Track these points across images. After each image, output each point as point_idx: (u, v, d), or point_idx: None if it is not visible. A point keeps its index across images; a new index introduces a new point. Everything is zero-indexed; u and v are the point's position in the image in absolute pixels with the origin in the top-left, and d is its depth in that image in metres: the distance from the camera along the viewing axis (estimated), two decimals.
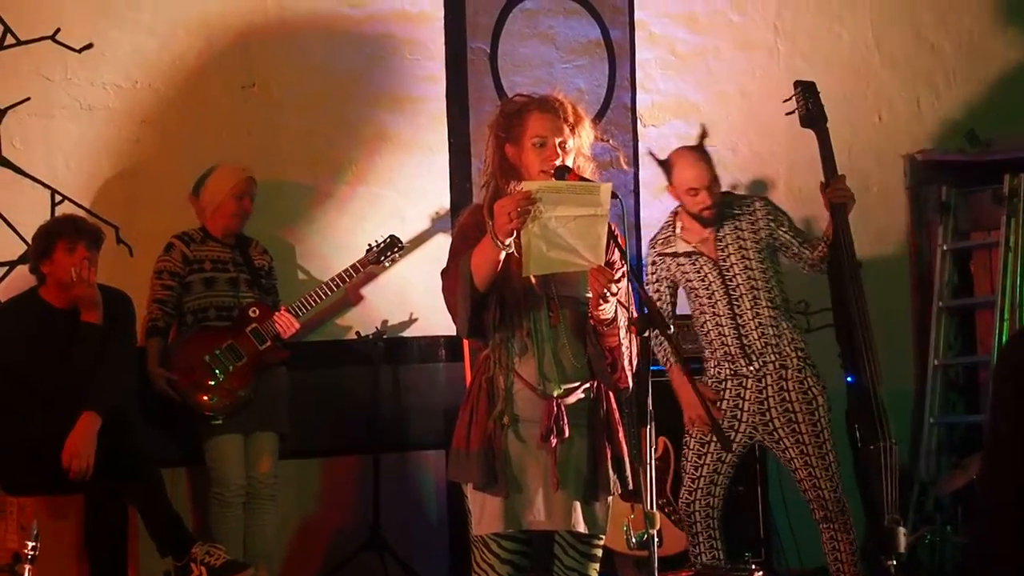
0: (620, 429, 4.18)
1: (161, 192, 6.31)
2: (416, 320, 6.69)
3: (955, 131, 7.41)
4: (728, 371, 5.72)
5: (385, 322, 6.62)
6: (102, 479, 5.43)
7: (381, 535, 6.35)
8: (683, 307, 6.86)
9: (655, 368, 4.00)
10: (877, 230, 7.20)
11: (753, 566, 5.78)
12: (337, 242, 6.55)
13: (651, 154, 5.87)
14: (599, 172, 4.22)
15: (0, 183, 6.11)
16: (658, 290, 5.85)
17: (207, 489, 6.03)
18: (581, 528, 4.05)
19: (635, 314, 4.05)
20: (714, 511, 5.72)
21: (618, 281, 3.93)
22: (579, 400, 4.07)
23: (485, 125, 4.39)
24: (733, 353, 5.70)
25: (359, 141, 6.67)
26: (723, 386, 5.72)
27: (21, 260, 6.04)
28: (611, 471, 4.11)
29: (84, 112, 6.22)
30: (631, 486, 4.17)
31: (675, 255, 5.79)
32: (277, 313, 6.08)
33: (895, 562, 5.52)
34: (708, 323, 5.76)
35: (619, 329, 4.03)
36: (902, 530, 5.55)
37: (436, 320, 6.53)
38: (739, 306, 5.69)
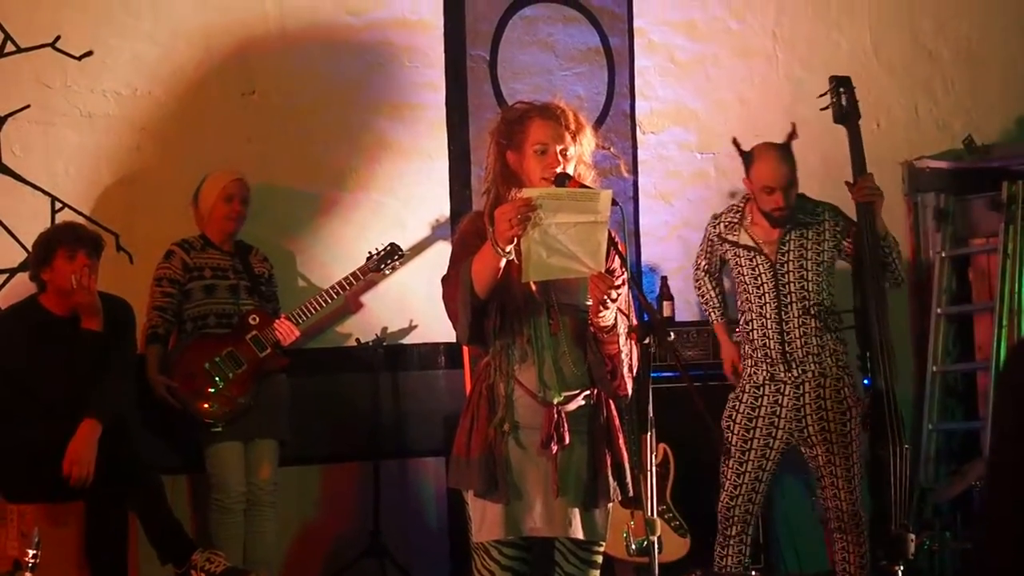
0: (620, 436, 4.19)
1: (161, 199, 6.32)
2: (416, 327, 6.69)
3: (953, 138, 7.42)
4: (766, 375, 5.70)
5: (385, 329, 6.62)
6: (103, 486, 5.44)
7: (381, 542, 6.36)
8: (682, 314, 6.89)
9: (655, 375, 3.99)
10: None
11: (754, 572, 5.78)
12: (337, 249, 6.56)
13: (735, 142, 5.77)
14: (599, 179, 4.22)
15: (0, 190, 6.12)
16: (709, 260, 5.93)
17: (207, 496, 6.04)
18: (581, 535, 4.05)
19: (635, 321, 4.06)
20: (752, 518, 5.72)
21: (618, 288, 3.93)
22: (579, 407, 4.08)
23: (485, 132, 4.39)
24: (774, 357, 5.69)
25: (359, 148, 6.67)
26: (760, 391, 5.71)
27: (21, 267, 6.06)
28: (611, 478, 4.12)
29: (84, 119, 6.23)
30: (631, 493, 4.18)
31: (735, 244, 5.79)
32: (277, 320, 6.09)
33: (902, 568, 5.52)
34: (754, 322, 5.76)
35: (619, 336, 4.04)
36: (911, 537, 5.54)
37: (436, 327, 6.55)
38: (787, 312, 5.67)
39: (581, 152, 4.11)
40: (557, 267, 3.88)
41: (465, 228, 4.19)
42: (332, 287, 6.22)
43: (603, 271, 3.91)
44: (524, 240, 3.81)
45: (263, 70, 6.52)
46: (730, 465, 5.70)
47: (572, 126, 4.07)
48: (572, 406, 4.05)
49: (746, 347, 5.82)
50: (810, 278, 5.68)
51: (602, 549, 4.18)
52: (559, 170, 4.02)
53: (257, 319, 6.08)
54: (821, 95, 5.86)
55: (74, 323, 5.58)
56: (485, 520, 4.02)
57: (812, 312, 5.65)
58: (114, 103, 6.27)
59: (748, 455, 5.67)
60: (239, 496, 6.00)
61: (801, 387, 5.66)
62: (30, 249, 5.82)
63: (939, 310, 7.16)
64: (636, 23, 7.12)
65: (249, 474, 6.05)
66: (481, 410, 4.06)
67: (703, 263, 6.02)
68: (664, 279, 6.82)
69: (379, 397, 6.57)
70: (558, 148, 4.05)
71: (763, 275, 5.71)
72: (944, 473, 7.07)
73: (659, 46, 7.16)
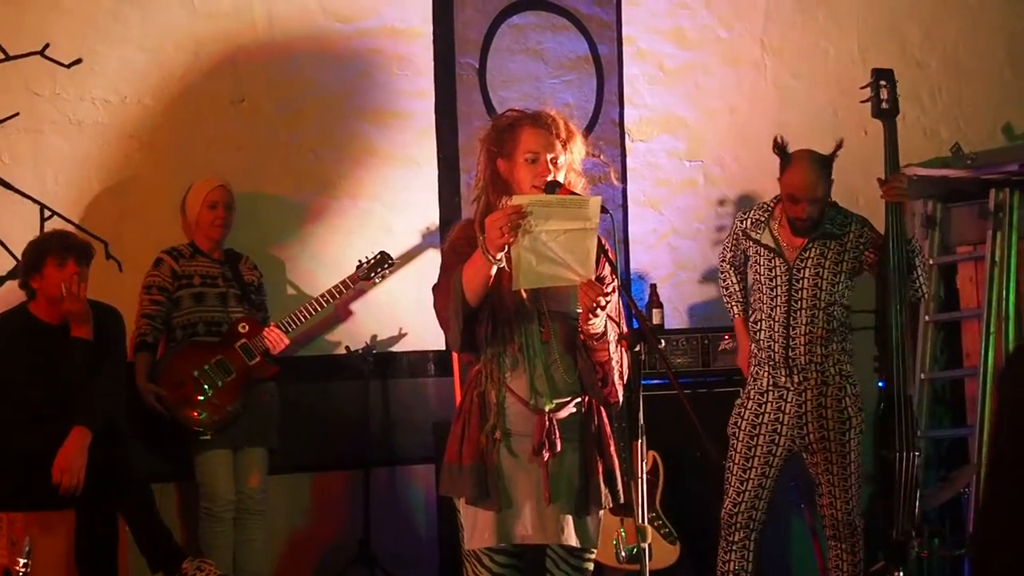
0: (612, 443, 4.19)
1: (150, 207, 6.32)
2: (405, 335, 6.70)
3: (941, 146, 7.43)
4: (769, 381, 5.70)
5: (374, 337, 6.62)
6: (93, 494, 5.43)
7: (370, 550, 6.36)
8: (671, 321, 6.90)
9: (646, 382, 4.00)
10: None
11: None
12: (326, 257, 6.56)
13: (777, 140, 5.63)
14: (589, 187, 4.23)
15: None
16: (734, 253, 5.91)
17: (196, 504, 6.03)
18: (573, 542, 4.05)
19: (625, 329, 4.07)
20: (755, 524, 5.70)
21: (609, 295, 3.94)
22: (571, 414, 4.08)
23: (474, 140, 4.42)
24: (776, 360, 5.69)
25: (348, 156, 6.67)
26: (764, 398, 5.71)
27: (11, 275, 6.05)
28: (603, 485, 4.12)
29: (73, 127, 6.23)
30: (623, 500, 4.19)
31: (758, 243, 5.76)
32: (267, 328, 6.09)
33: (902, 573, 5.52)
34: (762, 322, 5.75)
35: (609, 343, 4.04)
36: (914, 543, 5.53)
37: (425, 335, 6.57)
38: (796, 318, 5.66)
39: (571, 160, 4.12)
40: (547, 274, 3.88)
41: (456, 236, 4.19)
42: (322, 295, 6.22)
43: (593, 278, 3.92)
44: (514, 248, 3.81)
45: (252, 78, 6.52)
46: (734, 472, 5.70)
47: (563, 134, 4.08)
48: (563, 413, 4.06)
49: (752, 346, 5.82)
50: (824, 287, 5.65)
51: (593, 556, 4.18)
52: (550, 178, 4.03)
53: (246, 327, 6.08)
54: (863, 87, 5.76)
55: (64, 331, 5.57)
56: (477, 527, 4.02)
57: (819, 320, 5.64)
58: (103, 111, 6.27)
59: (752, 461, 5.67)
60: (228, 504, 6.00)
61: (804, 394, 5.65)
62: (20, 257, 5.82)
63: (927, 317, 7.18)
64: (625, 31, 7.14)
65: (238, 482, 6.05)
66: (473, 418, 4.07)
67: (728, 255, 5.98)
68: (653, 287, 6.83)
69: (368, 405, 6.57)
70: (549, 156, 4.06)
71: (779, 277, 5.69)
72: (933, 480, 7.08)
73: (648, 54, 7.18)
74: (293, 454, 6.36)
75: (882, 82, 5.71)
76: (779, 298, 5.69)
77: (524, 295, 4.01)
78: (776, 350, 5.69)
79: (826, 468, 5.64)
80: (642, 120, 7.16)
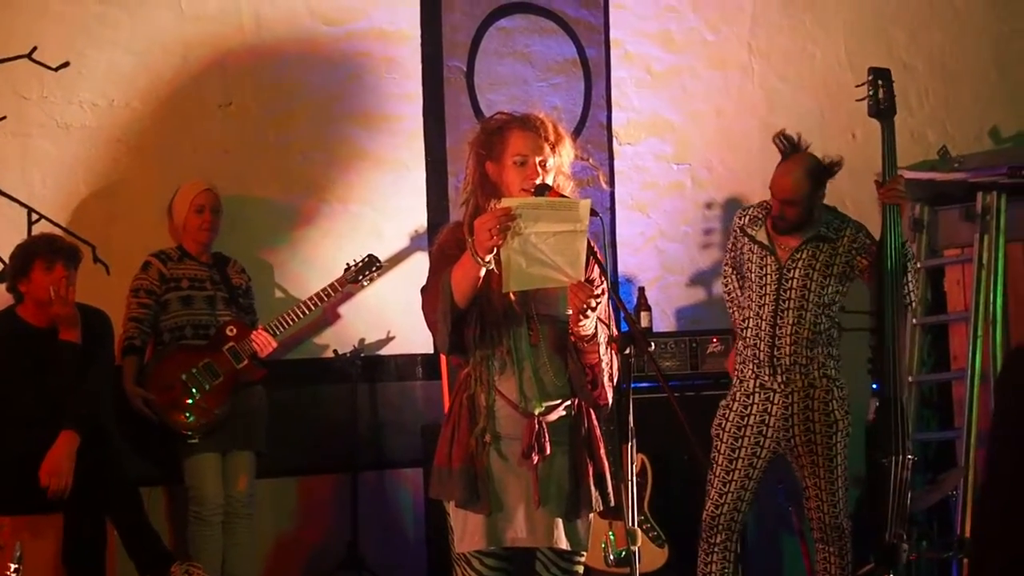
0: (601, 446, 4.19)
1: (138, 211, 6.30)
2: (393, 338, 6.69)
3: (928, 149, 7.45)
4: (755, 382, 5.68)
5: (362, 340, 6.62)
6: (81, 498, 5.42)
7: (358, 553, 6.35)
8: (659, 325, 6.91)
9: (636, 385, 4.00)
10: None
11: None
12: (314, 260, 6.55)
13: (779, 135, 5.60)
14: (578, 190, 4.23)
15: None
16: (733, 257, 5.89)
17: (185, 508, 6.02)
18: (563, 545, 4.05)
19: (615, 331, 4.07)
20: (737, 526, 5.69)
21: (598, 297, 3.94)
22: (560, 417, 4.08)
23: (462, 143, 4.41)
24: (760, 359, 5.68)
25: (336, 159, 6.67)
26: (750, 400, 5.69)
27: None
28: (593, 488, 4.12)
29: (61, 131, 6.22)
30: (612, 502, 4.19)
31: (753, 239, 5.76)
32: (255, 332, 6.08)
33: None
34: (750, 320, 5.74)
35: (599, 346, 4.05)
36: (904, 546, 5.54)
37: (413, 338, 6.56)
38: (782, 318, 5.64)
39: (560, 163, 4.12)
40: (537, 276, 3.88)
41: (444, 238, 4.19)
42: (310, 298, 6.22)
43: (582, 280, 3.92)
44: (504, 250, 3.82)
45: (240, 81, 6.51)
46: (716, 473, 5.69)
47: (552, 137, 4.09)
48: (553, 416, 4.06)
49: (739, 343, 5.82)
50: (812, 288, 5.63)
51: (583, 559, 4.18)
52: (539, 181, 4.03)
53: (234, 330, 6.08)
54: (859, 85, 5.75)
55: (52, 334, 5.56)
56: (467, 530, 4.02)
57: (806, 322, 5.63)
58: (91, 114, 6.26)
59: (735, 463, 5.65)
60: (216, 508, 5.99)
61: (790, 396, 5.64)
62: (7, 260, 5.80)
63: (914, 320, 7.19)
64: (612, 34, 7.15)
65: (226, 486, 6.04)
66: (462, 421, 4.07)
67: (729, 256, 5.96)
68: (641, 290, 6.83)
69: (356, 408, 6.56)
70: (538, 159, 4.06)
71: (769, 275, 5.69)
72: (920, 483, 7.09)
73: (635, 57, 7.19)
74: (281, 457, 6.34)
75: (879, 81, 5.70)
76: (768, 296, 5.69)
77: (513, 298, 4.01)
78: (762, 348, 5.68)
79: (812, 471, 5.63)
80: (630, 123, 7.17)
